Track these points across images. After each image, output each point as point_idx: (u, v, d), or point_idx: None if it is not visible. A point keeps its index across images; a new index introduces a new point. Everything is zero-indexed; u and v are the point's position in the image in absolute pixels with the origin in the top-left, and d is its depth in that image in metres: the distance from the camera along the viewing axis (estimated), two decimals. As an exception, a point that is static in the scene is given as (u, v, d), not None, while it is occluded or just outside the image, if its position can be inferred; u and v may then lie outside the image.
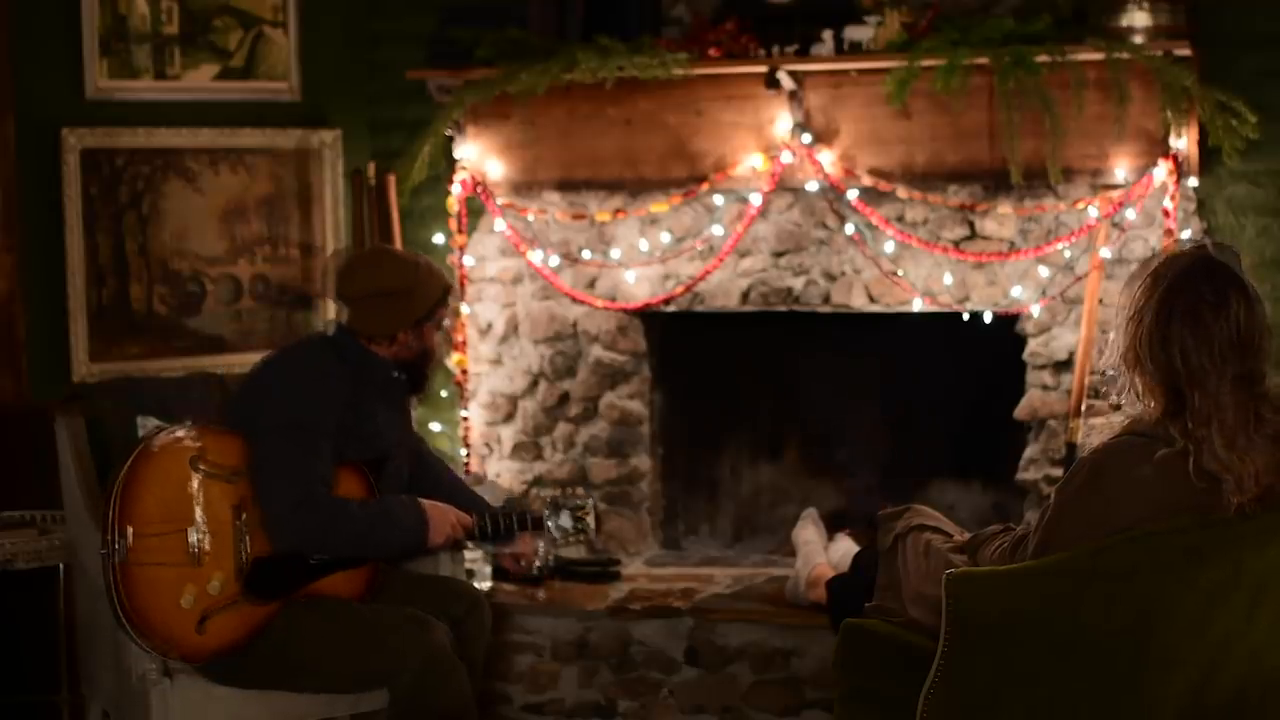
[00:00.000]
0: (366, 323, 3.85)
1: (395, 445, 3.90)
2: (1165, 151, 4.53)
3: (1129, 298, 2.96)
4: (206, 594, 3.60)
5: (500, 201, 5.10)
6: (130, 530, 3.54)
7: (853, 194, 4.79)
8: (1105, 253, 4.63)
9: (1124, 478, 2.95)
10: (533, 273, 5.14)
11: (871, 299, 4.88)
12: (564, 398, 5.20)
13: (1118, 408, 4.75)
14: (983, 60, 4.53)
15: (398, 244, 5.17)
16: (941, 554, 3.41)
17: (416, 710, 3.64)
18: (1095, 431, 3.14)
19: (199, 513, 3.61)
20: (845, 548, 4.56)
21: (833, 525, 5.17)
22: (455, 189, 5.10)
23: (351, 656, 3.67)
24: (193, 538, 3.59)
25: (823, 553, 4.68)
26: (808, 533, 4.76)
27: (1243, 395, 2.88)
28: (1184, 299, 2.88)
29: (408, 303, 3.84)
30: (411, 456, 4.02)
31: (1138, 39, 4.49)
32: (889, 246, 4.81)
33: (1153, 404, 2.92)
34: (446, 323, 4.02)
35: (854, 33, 4.74)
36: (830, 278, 4.91)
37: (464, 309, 5.16)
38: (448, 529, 3.79)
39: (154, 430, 3.73)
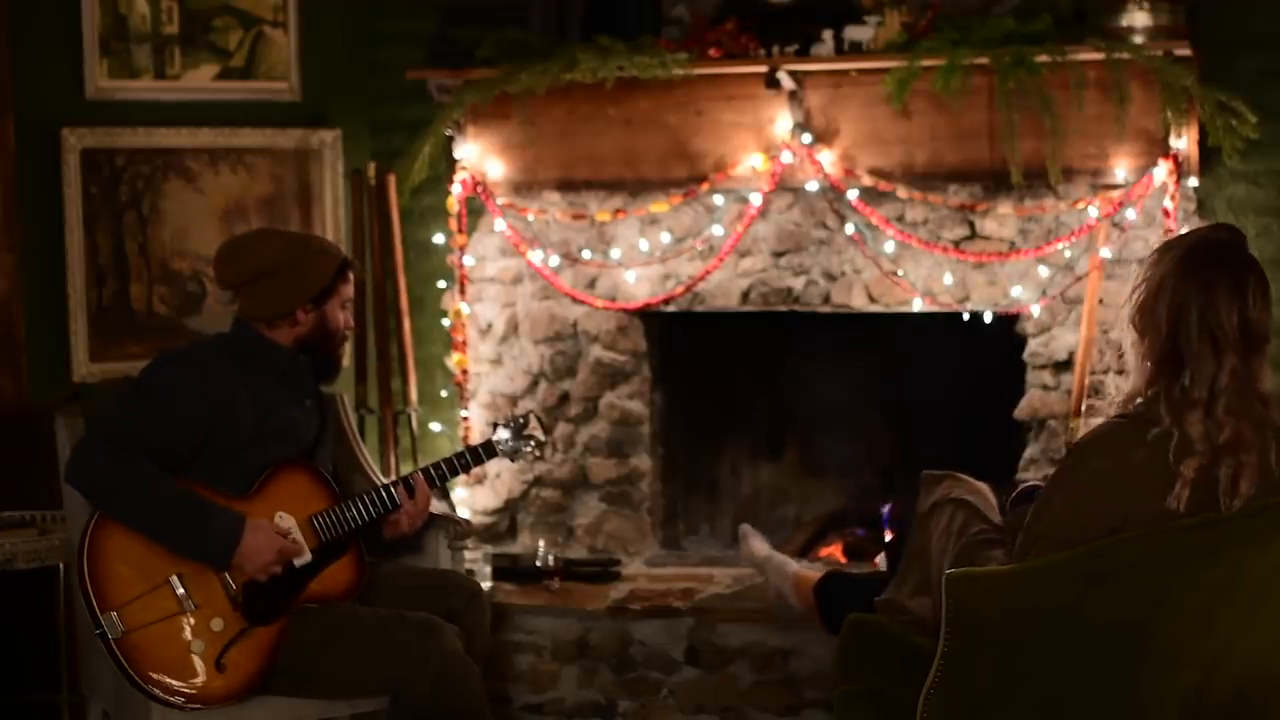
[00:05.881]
0: (260, 307, 3.75)
1: (320, 439, 3.84)
2: (1165, 151, 4.53)
3: (1145, 266, 2.94)
4: (213, 634, 3.57)
5: (500, 201, 5.10)
6: (113, 612, 3.52)
7: (853, 194, 4.79)
8: (1105, 253, 4.63)
9: (1108, 460, 2.94)
10: (533, 273, 5.14)
11: (871, 299, 4.88)
12: (564, 398, 5.19)
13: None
14: (983, 60, 4.53)
15: (398, 244, 5.18)
16: (972, 543, 3.38)
17: (432, 715, 3.62)
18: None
19: (172, 559, 3.57)
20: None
21: (831, 527, 5.19)
22: (455, 189, 5.10)
23: (366, 665, 3.63)
24: (178, 587, 3.57)
25: (789, 559, 4.47)
26: (760, 546, 4.51)
27: (1237, 384, 2.86)
28: (1200, 275, 2.86)
29: (297, 279, 3.73)
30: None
31: (1138, 39, 4.49)
32: (889, 246, 4.81)
33: (1146, 373, 2.91)
34: (350, 301, 3.85)
35: (854, 33, 4.74)
36: (830, 278, 4.91)
37: (464, 309, 5.16)
38: (263, 562, 3.58)
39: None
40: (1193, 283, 2.86)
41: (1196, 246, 2.91)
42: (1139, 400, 2.95)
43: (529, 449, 3.99)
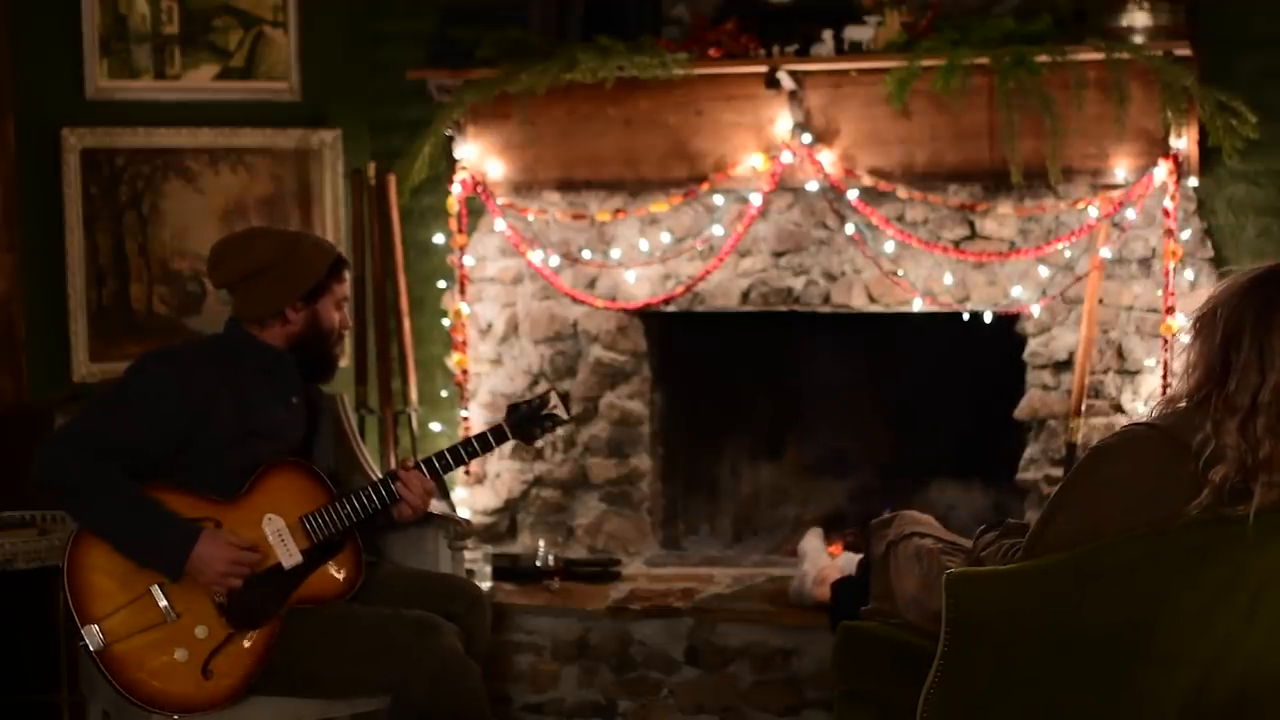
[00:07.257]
0: (250, 306, 3.75)
1: (313, 438, 3.82)
2: (1165, 151, 4.53)
3: (1215, 286, 2.99)
4: (198, 641, 3.56)
5: (500, 201, 5.10)
6: (95, 625, 3.52)
7: (853, 194, 4.79)
8: (1105, 253, 4.63)
9: (1126, 467, 2.94)
10: (533, 273, 5.14)
11: (871, 299, 4.88)
12: (564, 398, 5.19)
13: (1118, 408, 4.78)
14: (983, 60, 4.53)
15: (398, 244, 5.18)
16: (934, 555, 3.40)
17: (432, 714, 3.61)
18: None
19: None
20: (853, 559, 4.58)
21: (830, 526, 5.19)
22: (455, 189, 5.10)
23: (364, 665, 3.61)
24: (160, 599, 3.56)
25: (826, 555, 4.70)
26: (815, 542, 4.81)
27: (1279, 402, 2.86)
28: (1261, 295, 2.88)
29: (286, 277, 3.72)
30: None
31: (1138, 39, 4.49)
32: (889, 246, 4.81)
33: (1194, 378, 2.92)
34: (345, 299, 3.84)
35: (854, 33, 4.74)
36: (830, 278, 4.91)
37: (464, 309, 5.16)
38: (215, 572, 3.54)
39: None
40: (1253, 300, 2.90)
41: (1268, 272, 2.96)
42: (1178, 405, 2.96)
43: (547, 428, 3.89)
